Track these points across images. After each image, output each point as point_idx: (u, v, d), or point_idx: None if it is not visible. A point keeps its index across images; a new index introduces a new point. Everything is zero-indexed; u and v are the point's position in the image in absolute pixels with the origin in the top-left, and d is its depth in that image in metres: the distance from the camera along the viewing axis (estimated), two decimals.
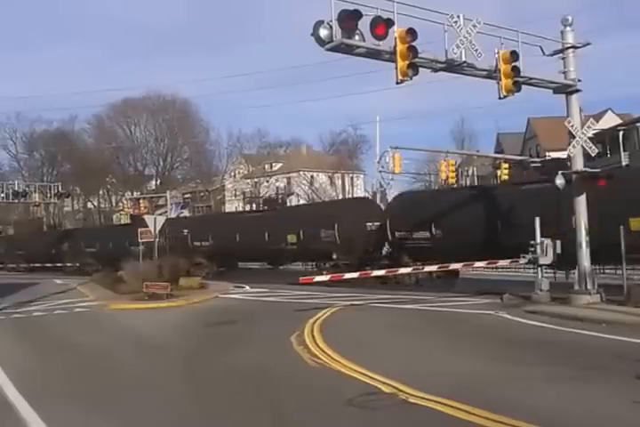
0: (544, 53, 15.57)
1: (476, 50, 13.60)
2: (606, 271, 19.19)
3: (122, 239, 37.34)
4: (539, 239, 16.67)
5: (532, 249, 16.78)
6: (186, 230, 34.93)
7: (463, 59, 13.62)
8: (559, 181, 15.64)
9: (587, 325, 12.48)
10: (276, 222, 30.53)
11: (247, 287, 25.28)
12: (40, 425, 6.85)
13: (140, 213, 41.09)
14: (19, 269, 48.04)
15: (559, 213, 17.35)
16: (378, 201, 39.53)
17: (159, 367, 10.11)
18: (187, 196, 73.27)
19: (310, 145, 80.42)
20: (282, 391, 7.98)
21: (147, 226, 24.59)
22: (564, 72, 15.79)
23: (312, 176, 70.10)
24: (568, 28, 15.67)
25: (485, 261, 18.59)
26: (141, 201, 46.87)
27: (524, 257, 17.27)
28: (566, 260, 16.59)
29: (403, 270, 19.78)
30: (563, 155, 18.29)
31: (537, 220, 16.68)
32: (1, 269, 49.27)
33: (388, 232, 25.40)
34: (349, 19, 12.03)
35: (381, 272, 19.97)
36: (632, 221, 16.71)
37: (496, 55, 14.27)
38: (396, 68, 12.72)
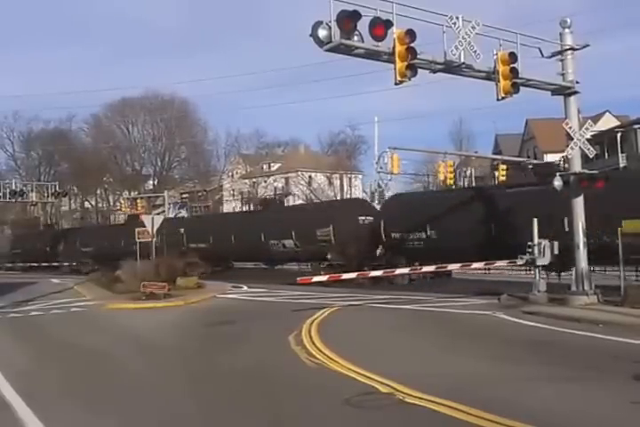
0: (542, 55, 15.61)
1: (475, 51, 13.62)
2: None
3: (226, 233, 30.22)
4: (536, 240, 16.69)
5: (530, 250, 16.80)
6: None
7: (462, 60, 13.62)
8: (557, 182, 15.67)
9: (584, 325, 12.50)
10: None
11: (245, 287, 25.29)
12: (38, 425, 6.84)
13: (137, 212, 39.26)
14: (82, 272, 38.53)
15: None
16: (375, 202, 39.02)
17: (157, 367, 10.11)
18: (184, 196, 73.24)
19: (308, 145, 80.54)
20: (279, 391, 7.98)
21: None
22: (563, 74, 15.81)
23: (310, 176, 70.08)
24: (567, 30, 15.70)
25: (482, 262, 18.61)
26: (139, 201, 46.85)
27: (521, 258, 17.28)
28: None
29: (399, 271, 19.78)
30: (560, 156, 18.30)
31: (535, 221, 16.69)
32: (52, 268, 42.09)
33: None
34: (348, 19, 12.04)
35: (379, 273, 20.00)
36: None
37: (495, 57, 14.28)
38: (395, 68, 12.74)
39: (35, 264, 45.42)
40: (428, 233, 22.41)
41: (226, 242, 30.26)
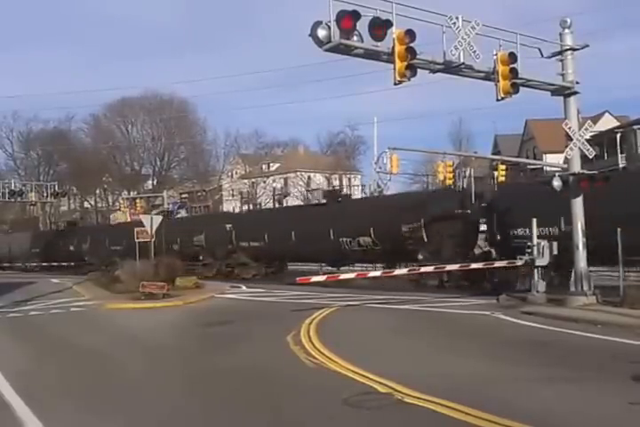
0: (542, 55, 15.60)
1: (475, 51, 13.62)
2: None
3: (285, 230, 27.07)
4: (535, 240, 16.68)
5: (529, 251, 16.79)
6: None
7: (461, 60, 13.62)
8: (556, 182, 15.67)
9: (582, 326, 12.50)
10: None
11: (243, 287, 25.27)
12: (37, 425, 6.84)
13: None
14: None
15: None
16: None
17: (156, 367, 10.11)
18: (184, 195, 73.23)
19: (307, 145, 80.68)
20: (278, 391, 7.98)
21: None
22: (562, 74, 15.80)
23: (309, 177, 70.10)
24: (567, 30, 15.69)
25: (482, 263, 18.61)
26: (138, 201, 46.84)
27: (520, 258, 17.27)
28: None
29: (398, 272, 19.79)
30: (560, 157, 18.28)
31: (534, 220, 16.68)
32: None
33: None
34: (348, 19, 12.04)
35: (377, 273, 20.01)
36: None
37: (494, 57, 14.27)
38: (395, 69, 12.74)
39: (62, 264, 42.12)
40: (563, 229, 18.00)
41: (284, 240, 26.90)
